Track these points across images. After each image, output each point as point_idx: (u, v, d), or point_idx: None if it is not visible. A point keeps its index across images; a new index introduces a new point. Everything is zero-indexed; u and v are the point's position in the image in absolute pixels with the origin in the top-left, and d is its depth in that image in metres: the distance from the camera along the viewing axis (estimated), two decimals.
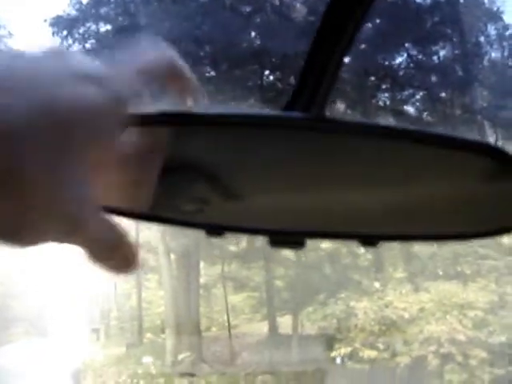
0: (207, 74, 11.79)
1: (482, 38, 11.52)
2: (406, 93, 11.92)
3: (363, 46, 10.95)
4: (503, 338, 9.10)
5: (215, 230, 0.89)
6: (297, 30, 9.73)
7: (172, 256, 11.63)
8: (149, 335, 12.86)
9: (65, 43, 10.96)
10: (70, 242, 0.45)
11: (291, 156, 0.89)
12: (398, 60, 11.52)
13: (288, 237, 0.90)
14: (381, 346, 9.62)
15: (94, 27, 11.24)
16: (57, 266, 14.78)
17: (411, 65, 11.44)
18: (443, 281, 10.37)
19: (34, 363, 11.43)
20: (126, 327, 14.09)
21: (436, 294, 9.92)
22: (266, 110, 0.74)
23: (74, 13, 11.17)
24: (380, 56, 11.28)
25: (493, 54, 11.71)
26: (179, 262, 11.70)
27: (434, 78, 11.57)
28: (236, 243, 12.45)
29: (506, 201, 0.89)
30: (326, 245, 12.01)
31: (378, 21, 11.04)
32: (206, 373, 10.47)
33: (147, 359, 11.06)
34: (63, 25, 11.00)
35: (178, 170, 0.88)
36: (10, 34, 11.12)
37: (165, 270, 11.46)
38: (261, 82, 11.46)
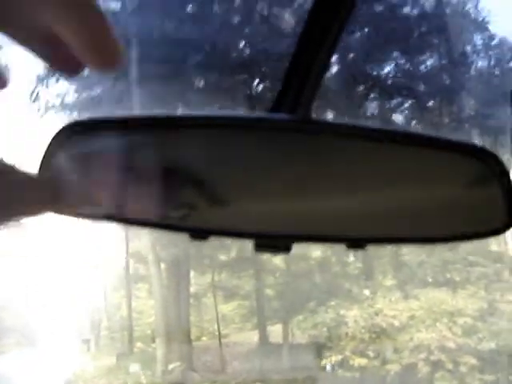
0: (196, 84, 11.81)
1: (468, 48, 11.61)
2: (394, 102, 11.97)
3: (351, 55, 11.02)
4: (493, 345, 9.13)
5: (199, 234, 0.91)
6: (286, 40, 9.78)
7: (162, 265, 11.60)
8: (139, 345, 12.80)
9: None
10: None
11: (277, 159, 0.90)
12: (386, 69, 11.59)
13: (274, 241, 0.92)
14: (371, 354, 9.63)
15: None
16: (47, 276, 14.71)
17: (399, 74, 11.51)
18: (433, 288, 10.40)
19: (24, 374, 11.36)
20: (117, 337, 14.02)
21: (426, 301, 9.95)
22: (252, 113, 0.77)
23: None
24: (368, 65, 11.34)
25: (479, 63, 11.80)
26: (169, 271, 11.67)
27: (421, 87, 11.63)
28: (226, 252, 12.45)
29: (492, 203, 0.91)
30: (315, 253, 12.03)
31: (366, 30, 11.12)
32: (197, 382, 10.44)
33: (134, 368, 11.02)
34: None
35: (165, 176, 0.90)
36: (0, 46, 11.10)
37: (155, 279, 11.43)
38: (250, 92, 11.49)
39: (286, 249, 0.92)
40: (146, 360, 11.45)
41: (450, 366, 9.06)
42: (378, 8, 11.24)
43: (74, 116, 11.11)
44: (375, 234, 0.93)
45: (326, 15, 0.88)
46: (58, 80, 11.15)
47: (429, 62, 11.68)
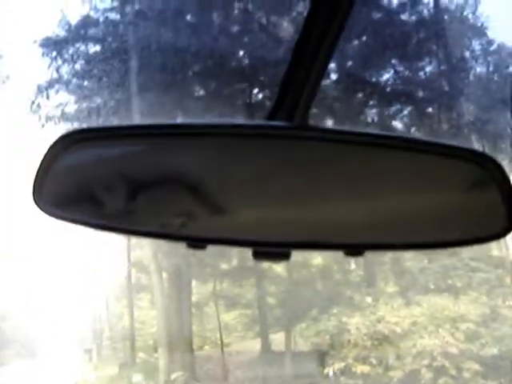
0: (196, 93, 11.83)
1: (467, 54, 11.64)
2: (393, 108, 11.99)
3: (350, 62, 11.04)
4: (495, 350, 9.09)
5: (197, 242, 0.90)
6: (285, 49, 9.80)
7: (164, 275, 11.57)
8: (141, 355, 12.75)
9: (54, 64, 11.00)
10: None
11: (275, 167, 0.90)
12: (385, 76, 11.61)
13: (272, 248, 0.92)
14: (374, 361, 9.59)
15: (83, 48, 11.26)
16: (49, 285, 14.69)
17: (398, 81, 11.53)
18: (434, 294, 10.36)
19: None
20: (119, 347, 13.98)
21: (428, 307, 9.92)
22: (250, 121, 0.77)
23: (63, 34, 11.20)
24: (367, 72, 11.35)
25: (478, 69, 11.83)
26: (171, 280, 11.65)
27: (420, 94, 11.65)
28: (227, 261, 12.42)
29: (491, 208, 0.91)
30: (316, 261, 12.01)
31: (364, 38, 11.14)
32: None
33: (137, 378, 10.98)
34: (52, 46, 11.03)
35: (163, 184, 0.90)
36: (0, 56, 11.13)
37: (157, 288, 11.40)
38: (249, 101, 11.50)
39: (285, 256, 0.92)
40: (148, 370, 11.41)
41: (453, 371, 9.02)
42: (377, 15, 11.27)
43: (75, 126, 11.13)
44: (374, 241, 0.93)
45: (321, 23, 0.89)
46: (58, 91, 11.19)
47: (427, 69, 11.72)
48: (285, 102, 0.93)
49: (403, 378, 9.31)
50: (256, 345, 12.27)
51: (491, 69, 11.47)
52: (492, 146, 9.86)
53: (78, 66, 11.16)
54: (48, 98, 11.11)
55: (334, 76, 10.75)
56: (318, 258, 12.09)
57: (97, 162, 0.95)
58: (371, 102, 12.17)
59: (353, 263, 12.16)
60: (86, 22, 11.23)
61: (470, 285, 10.41)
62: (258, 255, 0.91)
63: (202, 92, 11.93)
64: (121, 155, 0.94)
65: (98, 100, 10.74)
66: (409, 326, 9.68)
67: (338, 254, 0.95)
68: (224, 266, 12.68)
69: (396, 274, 11.48)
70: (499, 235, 0.92)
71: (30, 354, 15.05)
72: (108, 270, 13.87)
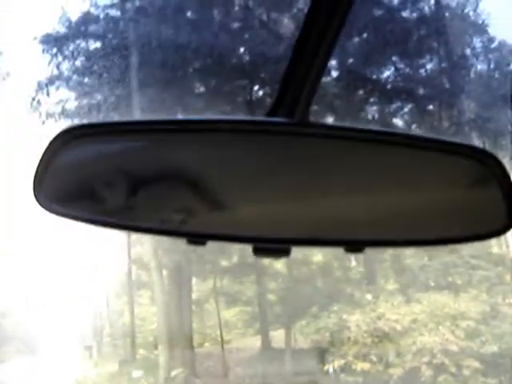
0: (196, 90, 11.82)
1: (468, 51, 11.63)
2: (394, 106, 11.98)
3: (351, 59, 11.03)
4: (495, 348, 9.10)
5: (197, 238, 0.90)
6: (285, 46, 9.79)
7: (164, 272, 11.58)
8: (142, 351, 12.77)
9: (54, 60, 10.99)
10: None
11: (275, 163, 0.90)
12: (386, 73, 11.60)
13: (272, 245, 0.91)
14: (374, 358, 9.60)
15: (83, 44, 11.26)
16: (49, 282, 14.70)
17: (399, 78, 11.52)
18: (435, 292, 10.37)
19: (26, 382, 11.33)
20: (119, 344, 13.99)
21: (428, 305, 9.93)
22: (249, 116, 0.77)
23: (63, 30, 11.20)
24: (368, 70, 11.35)
25: (479, 67, 11.82)
26: (171, 277, 11.66)
27: (421, 91, 11.64)
28: (228, 258, 12.43)
29: (492, 205, 0.91)
30: (317, 258, 12.02)
31: (365, 35, 11.14)
32: None
33: (137, 373, 11.00)
34: (53, 42, 11.03)
35: (163, 180, 0.90)
36: (0, 53, 11.13)
37: (157, 285, 11.41)
38: (250, 98, 11.50)
39: (285, 253, 0.92)
40: (148, 367, 11.43)
41: (453, 369, 9.03)
42: (377, 12, 11.26)
43: (75, 123, 11.12)
44: (374, 237, 0.93)
45: (322, 20, 0.89)
46: (58, 87, 11.18)
47: (428, 66, 11.71)
48: (285, 98, 0.93)
49: (403, 376, 9.32)
50: (256, 342, 12.28)
51: (492, 66, 11.46)
52: (492, 144, 9.86)
53: (78, 63, 11.16)
54: (48, 94, 11.11)
55: (334, 73, 10.75)
56: (318, 255, 12.10)
57: (97, 158, 0.95)
58: (372, 100, 12.17)
59: (353, 260, 12.17)
60: (87, 18, 11.22)
61: (470, 282, 10.41)
62: (258, 251, 0.91)
63: (202, 89, 11.93)
64: (121, 151, 0.94)
65: (99, 97, 10.74)
66: (409, 323, 9.69)
67: (339, 251, 0.94)
68: (224, 263, 12.69)
69: (396, 272, 11.49)
70: (499, 232, 0.92)
71: (30, 350, 15.07)
72: (108, 266, 13.88)
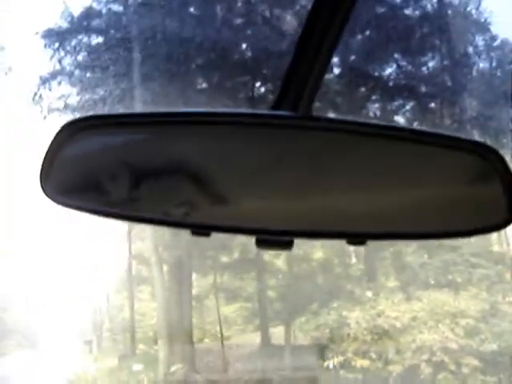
0: (199, 86, 11.82)
1: (470, 49, 11.62)
2: (396, 103, 11.98)
3: (353, 57, 11.02)
4: (495, 346, 9.11)
5: (202, 230, 0.91)
6: (288, 42, 9.79)
7: (164, 267, 11.59)
8: (141, 347, 12.79)
9: (57, 55, 10.99)
10: None
11: (279, 156, 0.91)
12: (388, 71, 11.59)
13: (275, 236, 0.92)
14: (373, 355, 9.61)
15: (85, 39, 11.25)
16: (49, 277, 14.72)
17: (401, 75, 11.51)
18: (435, 290, 10.38)
19: (26, 375, 11.36)
20: (119, 339, 14.01)
21: (428, 302, 9.94)
22: (253, 110, 0.77)
23: (65, 25, 11.19)
24: (370, 67, 11.34)
25: (481, 65, 11.82)
26: (172, 273, 11.67)
27: (423, 89, 11.63)
28: (228, 254, 12.44)
29: (492, 199, 0.92)
30: (317, 254, 12.02)
31: (367, 32, 11.13)
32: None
33: (138, 367, 11.02)
34: (55, 37, 11.01)
35: (167, 172, 0.91)
36: (2, 48, 11.13)
37: (157, 281, 11.42)
38: (252, 94, 11.50)
39: (288, 245, 0.92)
40: (148, 362, 11.45)
41: (452, 367, 9.05)
42: (380, 9, 11.24)
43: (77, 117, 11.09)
44: (376, 230, 0.93)
45: (325, 17, 0.89)
46: (60, 82, 11.18)
47: (430, 64, 11.70)
48: (289, 94, 0.93)
49: (403, 373, 9.34)
50: (256, 338, 12.29)
51: (494, 64, 11.45)
52: (494, 142, 9.85)
53: (80, 58, 11.16)
54: (50, 89, 11.11)
55: (336, 70, 10.74)
56: (318, 251, 12.10)
57: (102, 150, 0.96)
58: (374, 97, 12.17)
59: (353, 257, 12.18)
60: (89, 13, 11.21)
61: (470, 280, 10.42)
62: (260, 243, 0.92)
63: (204, 84, 11.92)
64: (125, 143, 0.95)
65: (101, 91, 10.73)
66: (409, 320, 9.70)
67: (339, 248, 0.95)
68: (225, 259, 12.70)
69: (396, 269, 11.49)
70: (499, 226, 0.93)
71: (31, 344, 15.10)
72: (108, 262, 13.90)
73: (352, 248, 9.97)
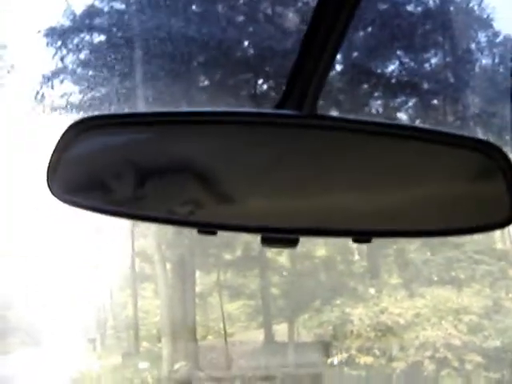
0: (201, 84, 11.82)
1: (472, 45, 11.59)
2: (398, 100, 11.96)
3: (355, 53, 11.01)
4: (498, 343, 9.12)
5: (208, 229, 0.92)
6: (290, 40, 9.79)
7: (168, 265, 11.61)
8: (145, 344, 12.80)
9: (59, 54, 10.99)
10: None
11: (284, 155, 0.91)
12: (391, 67, 11.57)
13: (280, 234, 0.93)
14: (377, 352, 9.62)
15: (88, 38, 11.25)
16: (53, 275, 14.73)
17: (403, 72, 11.49)
18: (438, 286, 10.38)
19: (30, 374, 11.38)
20: (123, 336, 14.03)
21: (431, 299, 9.94)
22: (258, 109, 0.78)
23: (67, 23, 11.19)
24: (372, 64, 11.33)
25: (484, 61, 11.79)
26: (175, 270, 11.68)
27: (426, 85, 11.62)
28: (231, 251, 12.45)
29: (496, 197, 0.92)
30: (320, 252, 12.02)
31: (369, 29, 11.11)
32: (203, 381, 10.46)
33: (144, 365, 11.04)
34: (57, 36, 11.02)
35: (173, 172, 0.91)
36: (4, 46, 11.14)
37: (160, 278, 11.44)
38: (254, 92, 11.49)
39: (293, 243, 0.93)
40: (152, 359, 11.46)
41: (455, 363, 9.05)
42: (383, 6, 11.23)
43: (80, 116, 11.11)
44: (381, 228, 0.94)
45: (330, 15, 0.89)
46: (62, 81, 11.19)
47: (433, 60, 11.68)
48: (293, 92, 0.93)
49: (406, 369, 9.34)
50: (259, 335, 12.31)
51: (497, 61, 11.43)
52: (497, 139, 9.84)
53: (82, 56, 11.16)
54: (53, 87, 11.12)
55: (339, 67, 10.74)
56: (321, 249, 12.11)
57: (107, 149, 0.96)
58: (376, 94, 12.16)
59: (356, 254, 12.18)
60: (91, 11, 11.21)
61: (473, 277, 10.42)
62: (265, 241, 0.92)
63: (206, 82, 11.92)
64: (130, 142, 0.95)
65: (103, 90, 10.74)
66: (412, 317, 9.71)
67: (342, 245, 0.96)
68: (228, 257, 12.70)
69: (399, 266, 11.49)
70: (503, 224, 0.93)
71: (34, 342, 15.11)
72: (112, 259, 13.90)
73: (355, 245, 9.97)
